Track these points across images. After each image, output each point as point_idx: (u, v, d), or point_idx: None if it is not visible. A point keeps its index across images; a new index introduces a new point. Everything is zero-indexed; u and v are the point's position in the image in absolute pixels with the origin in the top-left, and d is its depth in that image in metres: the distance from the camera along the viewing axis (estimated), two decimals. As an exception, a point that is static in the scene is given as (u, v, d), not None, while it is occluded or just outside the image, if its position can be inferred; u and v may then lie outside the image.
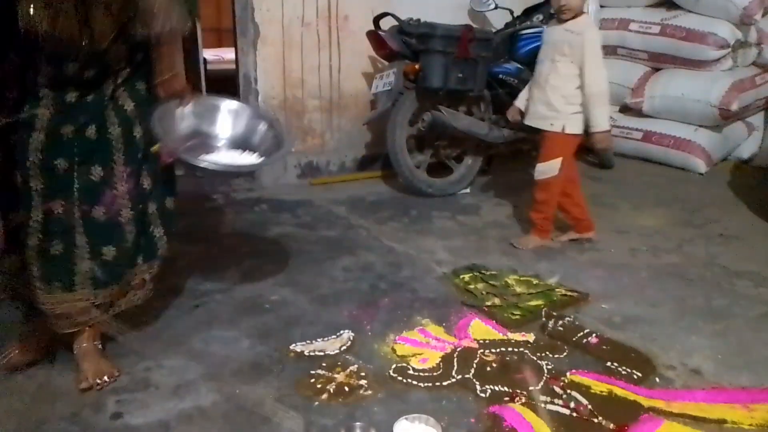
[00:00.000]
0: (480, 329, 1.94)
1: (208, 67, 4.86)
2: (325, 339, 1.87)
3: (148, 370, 1.73)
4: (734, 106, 3.61)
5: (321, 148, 3.74)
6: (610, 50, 4.10)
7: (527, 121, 2.64)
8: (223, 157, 1.78)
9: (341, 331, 1.90)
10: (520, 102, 2.69)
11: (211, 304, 2.15)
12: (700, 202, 3.27)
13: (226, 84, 4.07)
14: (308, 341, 1.86)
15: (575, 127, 2.50)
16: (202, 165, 1.65)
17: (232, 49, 3.75)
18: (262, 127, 1.88)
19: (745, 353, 1.84)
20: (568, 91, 2.46)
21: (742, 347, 1.87)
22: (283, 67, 3.51)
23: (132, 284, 1.75)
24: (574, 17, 2.44)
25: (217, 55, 5.71)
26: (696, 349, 1.85)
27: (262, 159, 1.80)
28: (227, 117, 1.86)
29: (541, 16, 3.57)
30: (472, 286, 2.25)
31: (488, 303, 2.12)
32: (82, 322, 1.66)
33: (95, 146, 1.59)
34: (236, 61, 3.70)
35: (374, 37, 3.29)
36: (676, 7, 3.87)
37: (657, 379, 1.70)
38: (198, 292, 2.24)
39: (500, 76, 3.34)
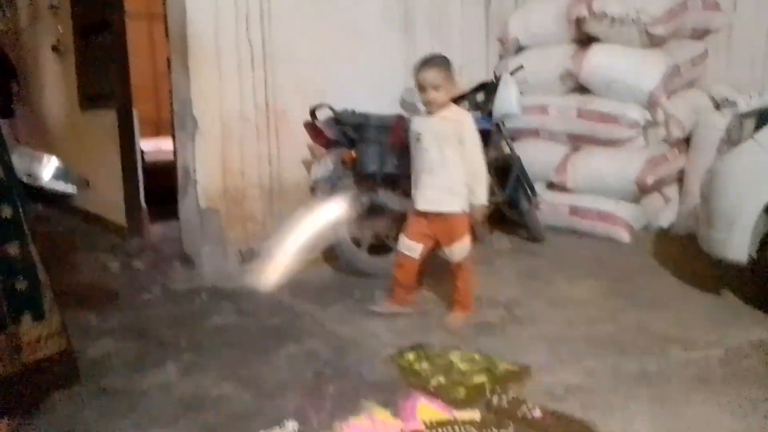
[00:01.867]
0: (427, 411, 1.93)
1: (146, 158, 4.86)
2: (270, 433, 1.82)
3: (79, 482, 1.63)
4: (650, 180, 3.90)
5: (262, 234, 3.75)
6: (532, 132, 4.39)
7: (425, 207, 2.76)
8: None
9: (285, 423, 1.85)
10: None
11: (149, 405, 2.05)
12: (627, 271, 3.45)
13: (164, 174, 4.09)
14: (252, 437, 1.80)
15: (466, 205, 2.73)
16: None
17: (170, 138, 3.80)
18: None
19: (680, 417, 1.90)
20: (459, 173, 2.69)
21: (677, 411, 1.94)
22: (222, 158, 3.56)
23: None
24: (441, 107, 2.70)
25: (154, 146, 5.72)
26: (635, 416, 1.90)
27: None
28: None
29: (467, 105, 3.81)
30: (416, 367, 2.25)
31: (433, 383, 2.12)
32: None
33: None
34: (174, 152, 3.74)
35: (311, 127, 3.41)
36: (590, 92, 4.21)
37: (600, 450, 1.73)
38: (134, 392, 2.14)
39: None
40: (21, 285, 1.79)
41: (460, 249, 2.74)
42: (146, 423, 1.93)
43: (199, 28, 3.42)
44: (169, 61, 3.67)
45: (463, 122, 2.72)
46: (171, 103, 3.71)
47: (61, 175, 2.28)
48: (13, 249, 1.76)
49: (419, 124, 2.80)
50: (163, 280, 3.45)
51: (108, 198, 4.65)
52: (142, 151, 4.65)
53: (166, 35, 3.63)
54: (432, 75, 2.65)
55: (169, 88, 3.73)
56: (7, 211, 1.76)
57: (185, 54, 3.42)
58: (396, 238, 3.58)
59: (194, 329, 2.73)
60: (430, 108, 2.71)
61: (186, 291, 3.28)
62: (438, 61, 2.70)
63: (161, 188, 4.19)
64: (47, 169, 2.26)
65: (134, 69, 4.44)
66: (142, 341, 2.60)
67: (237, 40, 3.53)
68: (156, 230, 4.50)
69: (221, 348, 2.52)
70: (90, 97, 4.87)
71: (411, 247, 2.80)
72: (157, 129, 6.84)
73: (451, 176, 2.69)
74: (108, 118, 4.42)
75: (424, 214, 2.77)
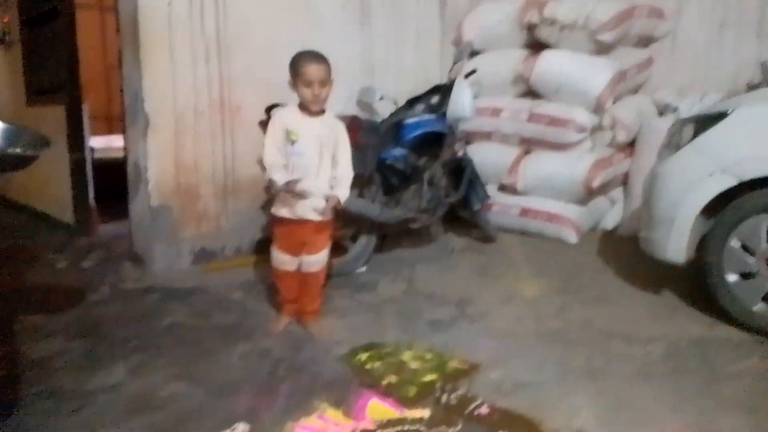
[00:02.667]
0: (377, 409, 1.97)
1: (96, 155, 4.74)
2: (220, 433, 1.81)
3: (22, 486, 1.59)
4: (596, 183, 4.04)
5: (216, 232, 3.71)
6: (485, 135, 4.48)
7: (303, 214, 2.55)
8: None
9: (236, 425, 1.85)
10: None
11: (96, 406, 2.02)
12: (574, 269, 3.56)
13: (114, 172, 4.00)
14: (201, 437, 1.79)
15: (330, 214, 2.61)
16: None
17: (122, 135, 3.72)
18: None
19: (623, 410, 1.98)
20: (327, 179, 2.57)
21: (620, 404, 2.02)
22: (175, 154, 3.51)
23: None
24: (323, 107, 2.57)
25: (105, 143, 5.59)
26: (579, 410, 1.97)
27: None
28: None
29: (422, 107, 3.87)
30: (369, 365, 2.28)
31: (385, 381, 2.15)
32: None
33: None
34: (125, 148, 3.66)
35: (266, 125, 3.38)
36: (540, 96, 4.33)
37: (545, 444, 1.79)
38: (81, 393, 2.10)
39: (388, 161, 3.54)
40: None
41: (322, 258, 2.65)
42: (93, 423, 1.90)
43: (151, 19, 3.35)
44: (120, 53, 3.59)
45: (340, 127, 2.60)
46: (122, 99, 3.63)
47: (8, 138, 2.02)
48: None
49: (294, 123, 2.52)
50: (113, 280, 3.38)
51: (55, 196, 4.52)
52: (91, 148, 4.54)
53: (117, 27, 3.55)
54: (322, 69, 2.48)
55: (121, 82, 3.65)
56: None
57: (137, 46, 3.35)
58: (353, 238, 3.62)
59: (144, 329, 2.69)
60: (316, 106, 2.51)
61: (136, 290, 3.23)
62: (323, 56, 2.54)
63: (112, 186, 4.10)
64: None
65: (85, 62, 4.34)
66: (90, 341, 2.54)
67: (191, 31, 3.48)
68: (106, 229, 4.40)
69: (172, 347, 2.49)
70: (37, 91, 4.72)
71: (285, 261, 2.63)
72: (109, 125, 6.67)
73: (323, 182, 2.54)
74: (56, 113, 4.29)
75: (295, 222, 2.57)
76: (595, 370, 2.29)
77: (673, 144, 2.94)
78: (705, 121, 2.80)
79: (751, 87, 4.21)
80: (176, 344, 2.52)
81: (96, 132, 5.15)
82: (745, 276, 2.64)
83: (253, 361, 2.36)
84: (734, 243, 2.65)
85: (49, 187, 4.56)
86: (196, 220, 3.63)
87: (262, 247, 3.85)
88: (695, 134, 2.80)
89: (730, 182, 2.63)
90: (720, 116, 2.73)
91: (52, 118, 4.34)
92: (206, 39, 3.54)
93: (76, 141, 4.21)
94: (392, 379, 2.17)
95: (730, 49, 4.45)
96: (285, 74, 3.78)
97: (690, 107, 4.18)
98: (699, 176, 2.72)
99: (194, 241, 3.63)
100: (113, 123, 6.58)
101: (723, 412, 1.96)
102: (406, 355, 2.37)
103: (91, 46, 6.10)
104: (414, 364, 2.29)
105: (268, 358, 2.38)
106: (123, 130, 3.68)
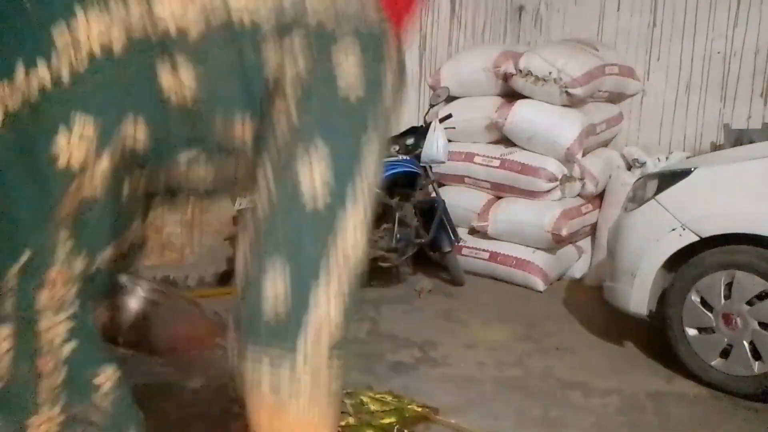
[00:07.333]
0: (331, 451, 1.92)
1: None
2: (165, 471, 1.74)
3: None
4: (564, 232, 4.09)
5: (179, 262, 3.64)
6: (458, 179, 4.53)
7: None
8: None
9: (183, 462, 1.79)
10: None
11: (36, 437, 1.93)
12: (539, 317, 3.57)
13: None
14: (145, 475, 1.72)
15: None
16: None
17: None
18: None
19: (577, 462, 1.98)
20: None
21: (574, 457, 2.02)
22: (144, 181, 3.47)
23: None
24: None
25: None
26: (535, 461, 1.97)
27: None
28: None
29: (397, 147, 3.91)
30: (326, 406, 2.23)
31: (342, 423, 2.10)
32: None
33: None
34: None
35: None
36: (513, 144, 4.41)
37: (498, 494, 1.76)
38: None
39: (359, 198, 3.55)
40: None
41: None
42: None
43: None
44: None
45: None
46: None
47: None
48: None
49: None
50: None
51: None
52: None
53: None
54: None
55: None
56: None
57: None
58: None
59: (96, 359, 2.60)
60: None
61: (92, 318, 3.13)
62: None
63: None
64: None
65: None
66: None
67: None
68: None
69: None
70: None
71: None
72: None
73: None
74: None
75: None
76: (551, 420, 2.29)
77: (637, 198, 3.01)
78: (669, 178, 2.87)
79: (716, 147, 4.37)
80: (127, 378, 2.43)
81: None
82: (704, 331, 2.68)
83: (206, 397, 2.29)
84: (694, 297, 2.69)
85: None
86: (159, 249, 3.56)
87: (226, 280, 3.80)
88: (659, 190, 2.86)
89: (690, 238, 2.68)
90: (683, 173, 2.81)
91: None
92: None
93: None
94: (350, 420, 2.13)
95: (695, 111, 4.63)
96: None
97: (656, 163, 4.30)
98: (661, 231, 2.77)
99: (156, 270, 3.54)
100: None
101: (677, 469, 1.96)
102: (366, 397, 2.33)
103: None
104: (373, 406, 2.25)
105: (223, 395, 2.31)
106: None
